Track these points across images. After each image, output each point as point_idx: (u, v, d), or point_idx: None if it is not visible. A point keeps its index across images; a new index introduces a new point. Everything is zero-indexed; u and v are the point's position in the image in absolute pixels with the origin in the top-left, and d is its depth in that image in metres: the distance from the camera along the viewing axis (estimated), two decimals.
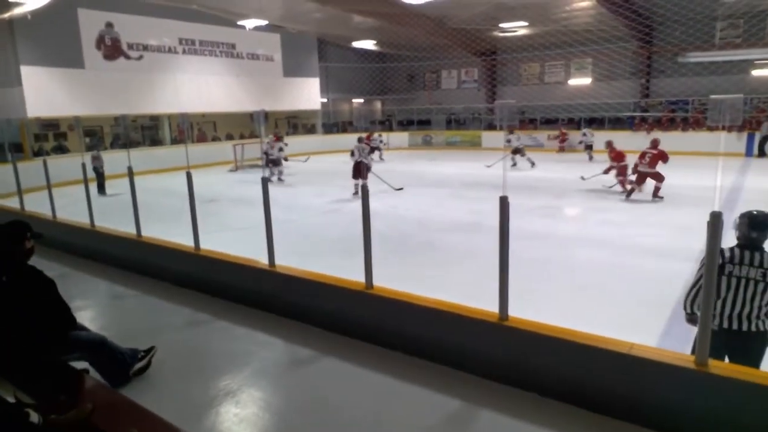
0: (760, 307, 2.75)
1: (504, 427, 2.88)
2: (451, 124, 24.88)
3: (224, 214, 9.61)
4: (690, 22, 17.44)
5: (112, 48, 16.63)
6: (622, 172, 10.56)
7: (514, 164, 15.09)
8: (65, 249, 6.80)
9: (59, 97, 15.14)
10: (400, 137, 24.21)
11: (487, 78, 25.24)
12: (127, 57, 17.09)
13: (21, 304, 2.97)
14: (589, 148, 17.09)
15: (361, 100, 27.80)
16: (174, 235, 5.64)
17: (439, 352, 3.48)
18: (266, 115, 17.46)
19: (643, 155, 9.73)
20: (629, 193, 9.95)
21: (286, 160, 15.91)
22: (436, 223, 8.54)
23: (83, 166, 6.56)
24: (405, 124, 26.23)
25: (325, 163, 18.03)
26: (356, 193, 11.12)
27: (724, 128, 16.41)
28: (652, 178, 9.61)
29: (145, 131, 20.47)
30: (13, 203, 8.39)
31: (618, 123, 20.99)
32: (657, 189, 9.67)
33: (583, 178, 11.93)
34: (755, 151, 16.67)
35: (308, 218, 9.30)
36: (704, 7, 16.39)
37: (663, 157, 9.53)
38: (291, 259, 4.60)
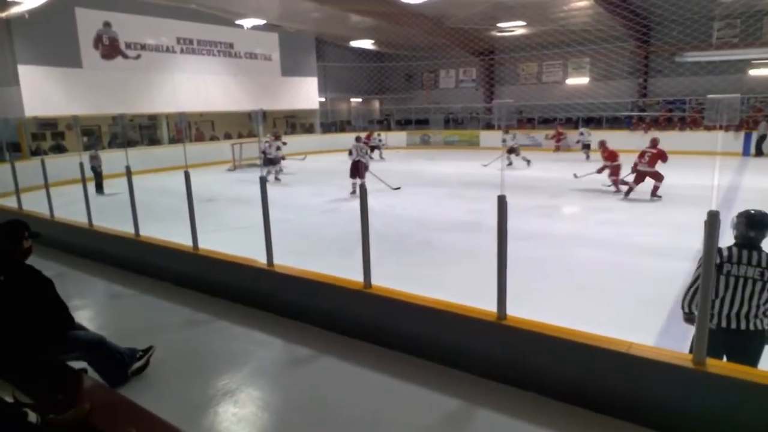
0: (758, 306, 2.76)
1: (502, 427, 2.88)
2: (449, 123, 24.89)
3: (222, 214, 9.60)
4: (687, 22, 17.48)
5: (109, 47, 16.60)
6: (615, 172, 10.59)
7: (510, 163, 15.15)
8: (63, 248, 6.79)
9: (57, 97, 15.11)
10: (398, 136, 24.23)
11: (485, 77, 25.26)
12: (125, 56, 17.06)
13: (19, 303, 2.97)
14: (586, 147, 17.12)
15: (359, 100, 27.79)
16: (172, 235, 5.64)
17: (438, 352, 3.49)
18: (264, 115, 17.41)
19: (642, 154, 9.76)
20: (628, 191, 9.97)
21: (283, 159, 15.99)
22: (434, 223, 8.55)
23: (81, 165, 6.55)
24: (403, 124, 26.24)
25: (323, 162, 18.04)
26: (354, 192, 11.12)
27: (721, 128, 16.45)
28: (652, 177, 9.63)
29: (143, 131, 20.45)
30: (10, 202, 8.37)
31: (615, 122, 21.04)
32: (656, 188, 9.69)
33: (576, 176, 11.98)
34: (752, 150, 16.72)
35: (306, 218, 9.30)
36: (701, 7, 16.43)
37: (662, 156, 9.55)
38: (289, 259, 4.60)
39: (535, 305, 3.70)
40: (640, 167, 9.71)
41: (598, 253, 6.56)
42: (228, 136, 21.37)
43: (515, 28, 19.91)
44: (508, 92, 24.20)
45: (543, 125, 22.33)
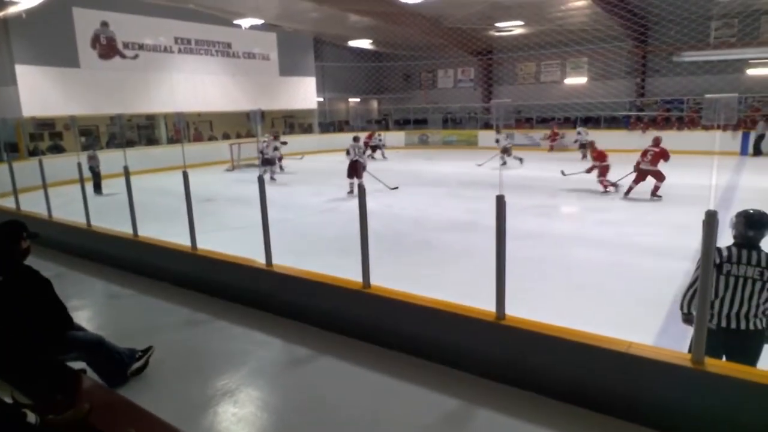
0: (757, 306, 2.76)
1: (501, 426, 2.88)
2: (448, 123, 24.90)
3: (221, 214, 9.60)
4: (685, 22, 17.51)
5: (107, 47, 16.57)
6: (603, 172, 10.62)
7: (504, 163, 15.21)
8: (61, 249, 6.78)
9: (54, 97, 15.08)
10: (396, 136, 24.22)
11: (484, 77, 25.27)
12: (123, 56, 17.04)
13: (17, 304, 2.96)
14: (584, 147, 17.14)
15: (358, 100, 27.79)
16: (171, 235, 5.64)
17: (436, 351, 3.49)
18: (262, 115, 17.46)
19: (645, 153, 9.77)
20: (628, 191, 9.99)
21: (280, 159, 16.08)
22: (432, 222, 8.56)
23: (79, 165, 6.53)
24: (401, 124, 26.24)
25: (321, 162, 18.04)
26: (351, 192, 11.14)
27: (719, 127, 16.49)
28: (653, 176, 9.64)
29: (141, 131, 20.43)
30: (8, 203, 8.35)
31: (614, 122, 21.07)
32: (656, 188, 9.70)
33: (563, 173, 12.00)
34: (750, 150, 16.75)
35: (305, 217, 9.29)
36: (699, 7, 16.46)
37: (664, 155, 9.57)
38: (288, 259, 4.60)
39: (533, 305, 3.71)
40: (643, 166, 9.73)
41: (597, 252, 6.57)
42: (226, 136, 21.35)
43: (513, 27, 19.93)
44: (507, 92, 24.21)
45: (541, 125, 22.35)
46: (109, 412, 2.52)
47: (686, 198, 9.36)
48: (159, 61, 17.99)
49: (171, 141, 19.50)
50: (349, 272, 3.99)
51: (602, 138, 18.57)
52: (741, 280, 2.76)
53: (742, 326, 2.79)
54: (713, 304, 2.82)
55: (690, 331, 2.83)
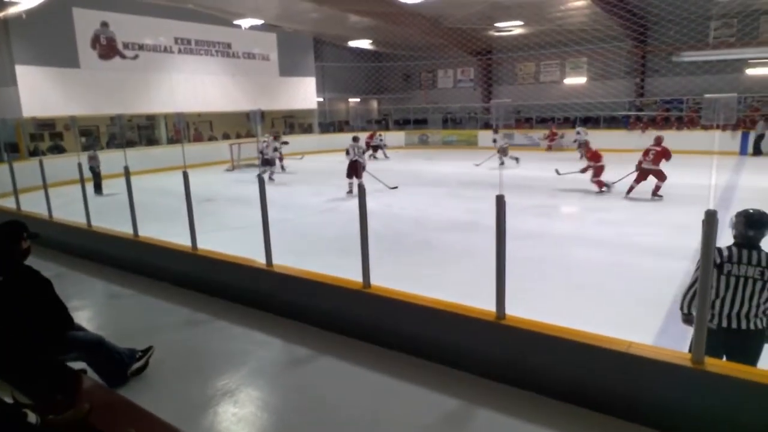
0: (758, 306, 2.77)
1: (501, 426, 2.89)
2: (448, 123, 24.90)
3: (221, 214, 9.60)
4: (684, 22, 17.51)
5: (107, 47, 16.58)
6: (597, 173, 10.63)
7: (502, 163, 15.24)
8: (62, 249, 6.78)
9: (55, 97, 15.08)
10: (396, 136, 24.23)
11: (483, 77, 25.28)
12: (123, 56, 17.04)
13: (18, 304, 2.96)
14: (582, 146, 17.14)
15: (358, 100, 27.79)
16: (171, 235, 5.64)
17: (437, 351, 3.49)
18: (262, 115, 17.52)
19: (647, 152, 9.78)
20: (629, 190, 9.99)
21: (281, 159, 16.13)
22: (432, 222, 8.56)
23: (79, 165, 6.54)
24: (401, 124, 26.24)
25: (321, 162, 18.04)
26: (350, 191, 11.15)
27: (718, 127, 16.50)
28: (655, 176, 9.64)
29: (141, 131, 20.43)
30: (9, 203, 8.35)
31: (613, 122, 21.08)
32: (657, 188, 9.70)
33: (558, 173, 12.00)
34: (749, 149, 16.76)
35: (305, 217, 9.30)
36: (698, 7, 16.46)
37: (666, 154, 9.57)
38: (288, 259, 4.60)
39: (533, 305, 3.71)
40: (645, 165, 9.74)
41: (597, 252, 6.57)
42: (226, 137, 21.36)
43: (513, 27, 19.93)
44: (506, 92, 24.22)
45: (541, 125, 22.36)
46: (109, 412, 2.53)
47: (686, 198, 9.36)
48: (159, 61, 17.99)
49: (171, 141, 19.50)
50: (349, 272, 3.99)
51: (602, 138, 18.63)
52: (742, 280, 2.76)
53: (743, 326, 2.79)
54: (714, 304, 2.82)
55: (690, 331, 2.84)
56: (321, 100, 24.83)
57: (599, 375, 2.88)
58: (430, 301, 3.54)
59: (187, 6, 16.67)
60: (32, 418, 2.21)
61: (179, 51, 18.60)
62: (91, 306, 5.13)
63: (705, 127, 16.71)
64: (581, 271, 5.85)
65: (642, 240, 7.04)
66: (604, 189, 10.52)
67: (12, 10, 13.24)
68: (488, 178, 13.14)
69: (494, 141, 16.01)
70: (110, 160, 12.28)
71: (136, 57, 17.37)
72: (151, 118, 20.02)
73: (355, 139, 11.75)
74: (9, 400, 2.40)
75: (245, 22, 17.28)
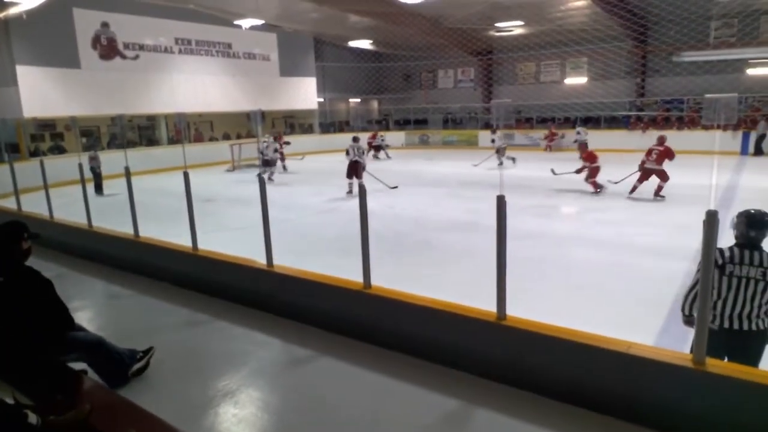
0: (760, 306, 2.76)
1: (501, 427, 2.89)
2: (448, 123, 24.90)
3: (221, 214, 9.60)
4: (684, 22, 17.51)
5: (108, 48, 16.59)
6: (593, 174, 10.64)
7: (501, 163, 15.28)
8: (62, 249, 6.79)
9: (55, 97, 15.10)
10: (396, 136, 24.24)
11: (484, 77, 25.27)
12: (123, 57, 17.05)
13: (18, 304, 2.96)
14: (582, 146, 17.14)
15: (358, 100, 27.79)
16: (171, 235, 5.64)
17: (437, 352, 3.49)
18: (263, 115, 17.61)
19: (650, 152, 9.78)
20: (632, 190, 9.99)
21: (283, 159, 16.19)
22: (433, 223, 8.56)
23: (80, 166, 6.54)
24: (402, 124, 26.24)
25: (322, 162, 18.05)
26: (350, 191, 11.17)
27: (719, 127, 16.51)
28: (658, 175, 9.64)
29: (141, 131, 20.44)
30: (10, 204, 8.36)
31: (614, 122, 21.07)
32: (660, 188, 9.69)
33: (554, 173, 12.00)
34: (750, 149, 16.74)
35: (305, 218, 9.30)
36: (699, 7, 16.46)
37: (669, 154, 9.57)
38: (288, 259, 4.60)
39: (533, 305, 3.70)
40: (648, 165, 9.74)
41: (597, 252, 6.56)
42: (227, 137, 21.37)
43: (513, 28, 19.93)
44: (507, 92, 24.21)
45: (541, 125, 22.36)
46: (109, 413, 2.53)
47: (687, 198, 9.36)
48: (159, 61, 18.00)
49: (172, 141, 19.52)
50: (349, 272, 3.99)
51: (602, 138, 18.68)
52: (744, 281, 2.76)
53: (745, 327, 2.79)
54: (716, 305, 2.82)
55: (691, 331, 2.83)
56: (321, 100, 24.83)
57: (599, 375, 2.88)
58: (430, 301, 3.54)
59: (188, 6, 16.68)
60: (33, 418, 2.21)
61: (180, 51, 18.61)
62: (91, 306, 5.13)
63: (706, 127, 16.71)
64: (581, 272, 5.84)
65: (642, 240, 7.03)
66: (598, 190, 10.54)
67: (13, 11, 13.25)
68: (488, 178, 13.14)
69: (493, 141, 16.04)
70: (111, 160, 12.30)
71: (136, 57, 17.38)
72: (152, 119, 20.03)
73: (355, 140, 11.75)
74: (10, 400, 2.40)
75: (245, 23, 17.29)
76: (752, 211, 2.86)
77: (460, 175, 14.39)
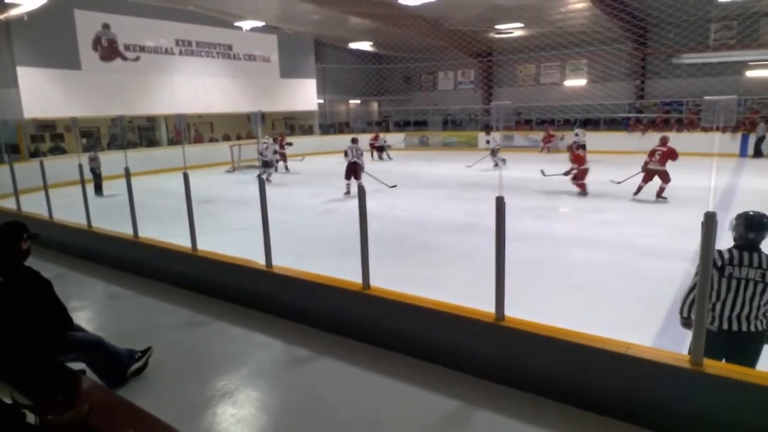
0: (758, 308, 2.77)
1: (501, 427, 2.89)
2: (448, 125, 24.92)
3: (221, 215, 9.60)
4: (684, 24, 17.52)
5: (108, 49, 16.61)
6: (579, 176, 10.69)
7: (496, 165, 15.32)
8: (62, 250, 6.79)
9: (56, 98, 15.12)
10: (396, 138, 24.27)
11: (483, 79, 25.30)
12: (124, 58, 17.07)
13: (18, 305, 2.97)
14: (581, 148, 17.14)
15: (358, 101, 27.82)
16: (171, 236, 5.64)
17: (436, 352, 3.49)
18: (263, 116, 17.63)
19: (653, 153, 9.80)
20: (637, 191, 10.01)
21: (285, 160, 16.25)
22: (432, 224, 8.56)
23: (80, 166, 6.55)
24: (402, 125, 26.27)
25: (321, 164, 18.06)
26: (348, 192, 11.19)
27: (718, 129, 16.52)
28: (660, 177, 9.66)
29: (141, 132, 20.45)
30: (9, 204, 8.36)
31: (613, 124, 21.09)
32: (662, 190, 9.71)
33: (543, 173, 12.01)
34: (749, 151, 16.76)
35: (305, 218, 9.30)
36: (698, 9, 16.48)
37: (672, 154, 9.59)
38: (288, 260, 4.60)
39: (532, 306, 3.71)
40: (651, 166, 9.76)
41: (596, 253, 6.56)
42: (227, 138, 21.38)
43: (513, 30, 19.96)
44: (506, 94, 24.24)
45: (540, 127, 22.37)
46: (108, 413, 2.53)
47: (686, 199, 9.37)
48: (160, 62, 18.02)
49: (172, 142, 19.52)
50: (349, 273, 3.99)
51: (602, 140, 18.70)
52: (743, 282, 2.76)
53: (743, 328, 2.79)
54: (714, 307, 2.82)
55: (689, 332, 2.84)
56: (321, 101, 24.86)
57: (598, 376, 2.88)
58: (429, 302, 3.54)
59: (189, 8, 16.71)
60: (31, 418, 2.21)
61: (180, 53, 18.63)
62: (90, 307, 5.14)
63: (705, 129, 16.72)
64: (580, 272, 5.85)
65: (641, 241, 7.03)
66: (584, 191, 10.59)
67: (14, 12, 13.28)
68: (487, 180, 13.15)
69: (487, 142, 16.07)
70: (111, 161, 12.31)
71: (137, 59, 17.40)
72: (152, 120, 20.04)
73: (354, 141, 11.76)
74: (8, 400, 2.41)
75: (246, 24, 17.31)
76: (751, 213, 2.86)
77: (460, 176, 14.40)
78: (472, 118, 24.92)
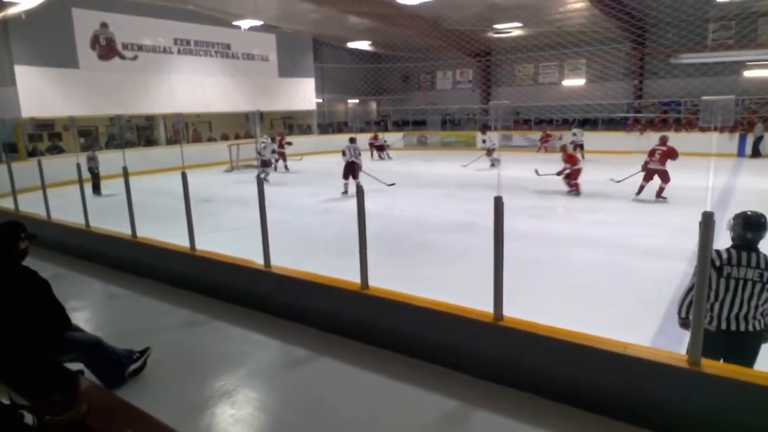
0: (756, 307, 2.77)
1: (499, 427, 2.89)
2: (446, 124, 24.92)
3: (220, 215, 9.59)
4: (682, 24, 17.56)
5: (106, 48, 16.57)
6: (572, 176, 10.73)
7: (492, 164, 15.31)
8: (60, 249, 6.77)
9: (54, 97, 15.08)
10: (395, 137, 24.26)
11: (482, 79, 25.31)
12: (122, 57, 17.04)
13: (15, 305, 2.96)
14: (579, 147, 17.18)
15: (357, 101, 27.81)
16: (169, 236, 5.63)
17: (435, 352, 3.50)
18: (261, 116, 17.62)
19: (652, 152, 9.82)
20: (639, 190, 10.03)
21: (285, 160, 16.24)
22: (431, 224, 8.56)
23: (78, 166, 6.53)
24: (400, 125, 26.27)
25: (320, 163, 18.04)
26: (345, 192, 11.19)
27: (716, 129, 16.55)
28: (659, 176, 9.67)
29: (140, 131, 20.41)
30: (7, 203, 8.34)
31: (611, 124, 21.13)
32: (661, 189, 9.73)
33: (537, 173, 12.05)
34: (747, 151, 16.80)
35: (303, 218, 9.30)
36: (696, 9, 16.51)
37: (672, 154, 9.61)
38: (286, 260, 4.60)
39: (530, 305, 3.71)
40: (651, 165, 9.79)
41: (594, 253, 6.58)
42: (225, 137, 21.35)
43: (511, 29, 19.97)
44: (505, 93, 24.25)
45: (539, 126, 22.40)
46: (106, 413, 2.53)
47: (683, 199, 9.39)
48: (158, 62, 17.99)
49: (170, 142, 19.49)
50: (347, 273, 3.99)
51: (600, 140, 18.73)
52: (741, 282, 2.76)
53: (742, 328, 2.80)
54: (713, 307, 2.83)
55: (687, 332, 2.84)
56: (320, 101, 24.84)
57: (596, 376, 2.89)
58: (427, 302, 3.55)
59: (187, 7, 16.68)
60: (29, 419, 2.21)
61: (178, 52, 18.60)
62: (89, 307, 5.13)
63: (703, 129, 16.75)
64: (578, 272, 5.86)
65: (639, 241, 7.05)
66: (575, 191, 10.63)
67: (11, 11, 13.25)
68: (485, 179, 13.16)
69: (483, 141, 16.10)
70: (109, 160, 12.28)
71: (135, 57, 17.37)
72: (150, 119, 20.00)
73: (352, 140, 11.75)
74: (6, 401, 2.40)
75: (245, 23, 17.30)
76: (749, 213, 2.86)
77: (458, 176, 14.41)
78: (471, 117, 24.93)
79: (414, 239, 7.61)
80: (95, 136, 18.59)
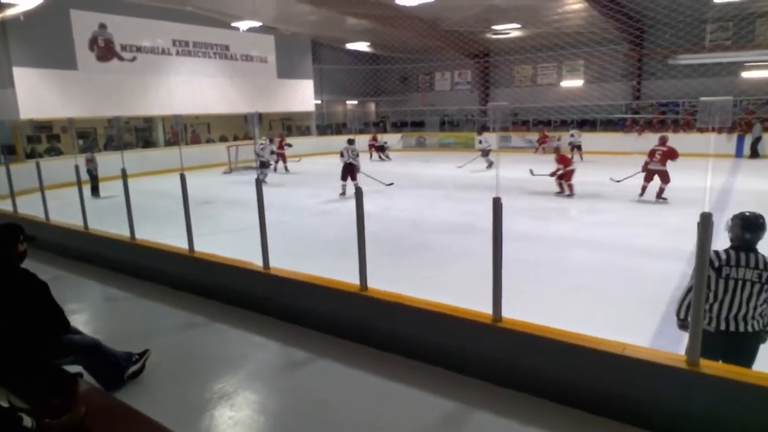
0: (755, 308, 2.78)
1: (498, 428, 2.89)
2: (445, 125, 24.95)
3: (218, 216, 9.58)
4: (680, 25, 17.61)
5: (105, 49, 16.56)
6: (565, 177, 10.77)
7: (489, 165, 15.32)
8: (58, 252, 6.76)
9: (52, 99, 15.06)
10: (393, 138, 24.27)
11: (480, 80, 25.34)
12: (121, 58, 17.02)
13: (14, 307, 2.95)
14: (577, 148, 17.21)
15: (355, 102, 27.82)
16: (168, 238, 5.63)
17: (434, 354, 3.50)
18: (260, 117, 17.61)
19: (652, 153, 9.84)
20: (642, 191, 10.04)
21: (284, 161, 16.24)
22: (430, 225, 8.57)
23: (76, 168, 6.53)
24: (399, 126, 26.28)
25: (319, 164, 18.05)
26: (343, 193, 11.20)
27: (713, 130, 16.56)
28: (660, 177, 9.69)
29: (138, 133, 20.39)
30: (5, 206, 8.33)
31: (609, 125, 21.16)
32: (661, 190, 9.75)
33: (532, 173, 12.06)
34: (745, 152, 16.83)
35: (302, 220, 9.30)
36: (694, 10, 16.56)
37: (672, 154, 9.63)
38: (285, 261, 4.60)
39: (529, 306, 3.71)
40: (652, 166, 9.81)
41: (593, 254, 6.58)
42: (224, 139, 21.34)
43: (510, 30, 20.00)
44: (503, 94, 24.28)
45: (537, 127, 22.42)
46: (105, 416, 2.53)
47: (682, 200, 9.41)
48: (157, 63, 17.98)
49: (168, 143, 19.47)
50: (346, 274, 4.00)
51: (598, 141, 18.75)
52: (740, 283, 2.77)
53: (740, 329, 2.80)
54: (712, 307, 2.83)
55: (685, 333, 2.85)
56: (319, 102, 24.85)
57: (595, 377, 2.89)
58: (426, 303, 3.55)
59: (186, 8, 16.68)
60: (28, 421, 2.21)
61: (177, 53, 18.59)
62: (87, 309, 5.12)
63: (701, 130, 16.76)
64: (577, 273, 5.86)
65: (638, 242, 7.06)
66: (566, 192, 10.66)
67: (10, 12, 13.23)
68: (483, 181, 13.18)
69: (480, 142, 16.13)
70: (107, 162, 12.27)
71: (133, 59, 17.36)
72: (149, 121, 19.98)
73: (350, 142, 11.75)
74: (5, 403, 2.40)
75: (243, 25, 17.31)
76: (747, 214, 2.87)
77: (457, 177, 14.42)
78: (469, 118, 24.96)
79: (412, 240, 7.61)
80: (94, 137, 18.56)
